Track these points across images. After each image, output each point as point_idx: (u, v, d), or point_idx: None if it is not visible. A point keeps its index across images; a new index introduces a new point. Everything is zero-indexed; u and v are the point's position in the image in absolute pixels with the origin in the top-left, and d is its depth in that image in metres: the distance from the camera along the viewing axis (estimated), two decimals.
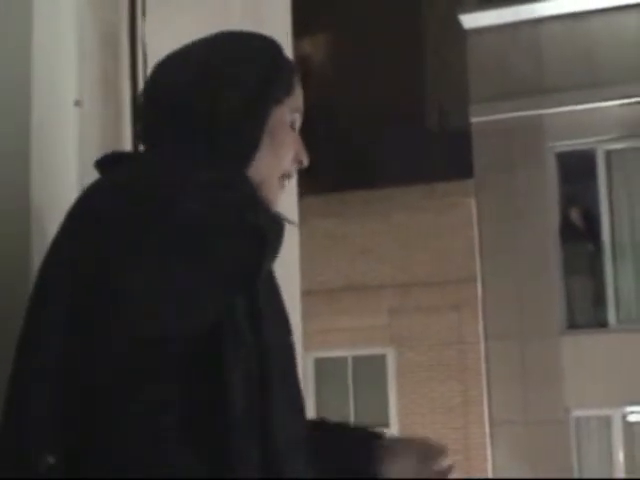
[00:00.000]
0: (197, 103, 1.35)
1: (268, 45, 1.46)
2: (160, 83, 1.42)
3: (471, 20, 12.55)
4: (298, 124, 1.47)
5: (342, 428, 1.57)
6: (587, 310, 11.95)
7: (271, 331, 1.26)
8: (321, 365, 12.68)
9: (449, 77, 16.02)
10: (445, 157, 12.25)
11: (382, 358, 12.54)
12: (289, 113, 1.44)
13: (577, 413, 11.50)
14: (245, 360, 1.21)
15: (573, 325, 11.82)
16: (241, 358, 1.20)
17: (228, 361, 1.19)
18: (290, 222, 1.32)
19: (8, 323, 1.33)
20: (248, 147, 1.36)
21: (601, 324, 11.73)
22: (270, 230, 1.20)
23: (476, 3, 12.99)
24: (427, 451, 1.53)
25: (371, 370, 12.60)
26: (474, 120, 12.34)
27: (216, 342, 1.19)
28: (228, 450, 1.17)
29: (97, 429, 1.18)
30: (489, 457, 11.75)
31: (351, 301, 12.50)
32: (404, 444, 1.56)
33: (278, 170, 1.43)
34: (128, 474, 1.16)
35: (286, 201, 2.47)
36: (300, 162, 1.47)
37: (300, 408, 1.33)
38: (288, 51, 2.81)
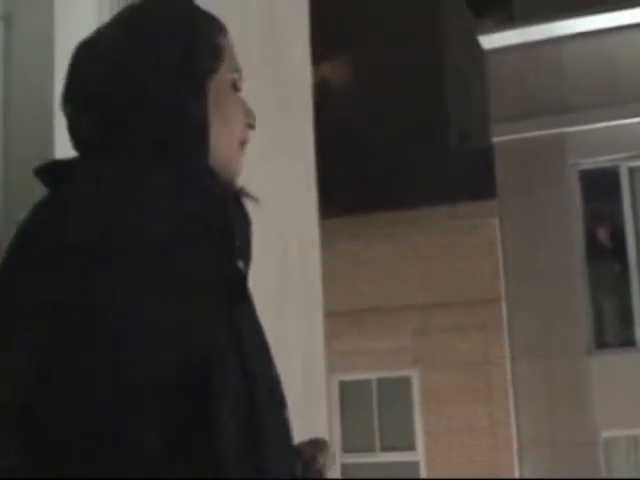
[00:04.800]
0: (129, 101, 1.21)
1: (184, 11, 1.30)
2: (78, 79, 1.26)
3: (490, 41, 12.55)
4: (240, 83, 1.33)
5: None
6: (615, 329, 11.84)
7: (255, 355, 1.13)
8: (345, 388, 12.62)
9: (470, 97, 16.01)
10: (467, 177, 12.21)
11: (407, 380, 12.46)
12: (228, 74, 1.30)
13: (606, 434, 11.36)
14: (232, 387, 1.08)
15: (601, 344, 11.71)
16: (228, 385, 1.08)
17: (215, 389, 1.06)
18: (256, 201, 1.23)
19: None
20: (199, 129, 1.23)
21: (629, 343, 11.62)
22: (239, 231, 1.11)
23: (495, 24, 12.99)
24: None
25: (396, 392, 12.52)
26: (496, 140, 12.31)
27: (201, 373, 1.06)
28: None
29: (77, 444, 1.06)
30: None
31: (375, 323, 12.45)
32: None
33: (233, 139, 1.31)
34: None
35: (306, 222, 2.46)
36: (250, 125, 1.34)
37: (290, 434, 1.19)
38: (307, 74, 2.80)
